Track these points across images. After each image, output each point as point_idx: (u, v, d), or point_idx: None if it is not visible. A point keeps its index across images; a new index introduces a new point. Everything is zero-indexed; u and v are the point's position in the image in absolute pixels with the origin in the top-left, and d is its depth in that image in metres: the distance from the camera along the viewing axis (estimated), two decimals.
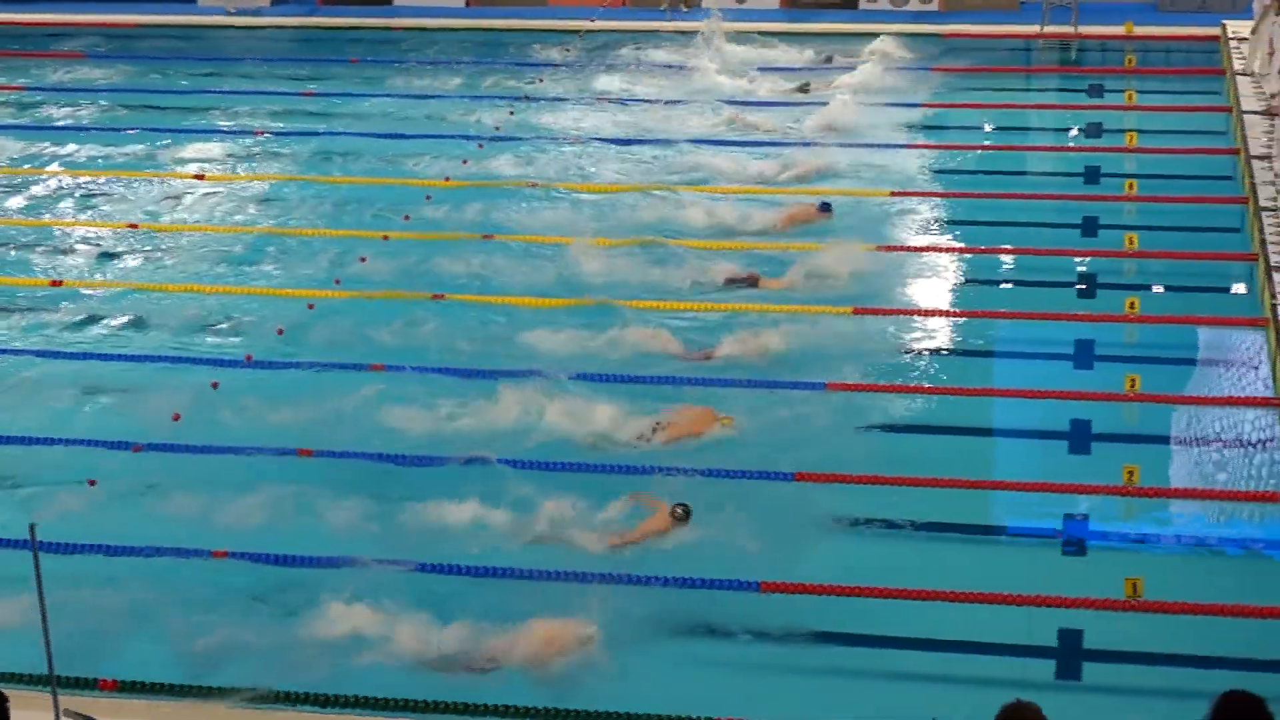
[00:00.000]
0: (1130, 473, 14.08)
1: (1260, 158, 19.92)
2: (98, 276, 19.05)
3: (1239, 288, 17.74)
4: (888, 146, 21.91)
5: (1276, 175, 18.97)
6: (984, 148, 22.09)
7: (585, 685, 11.63)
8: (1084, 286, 17.97)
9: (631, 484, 14.06)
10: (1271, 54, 17.64)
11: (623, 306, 17.37)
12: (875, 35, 26.23)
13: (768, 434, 14.82)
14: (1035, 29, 26.35)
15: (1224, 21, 25.64)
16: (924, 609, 12.38)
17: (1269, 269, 17.11)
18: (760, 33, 27.01)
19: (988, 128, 22.93)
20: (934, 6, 28.15)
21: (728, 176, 21.07)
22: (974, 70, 25.19)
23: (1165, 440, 15.12)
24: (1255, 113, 21.40)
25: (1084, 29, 26.14)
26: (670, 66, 25.78)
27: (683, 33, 27.01)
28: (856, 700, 11.79)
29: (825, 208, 19.36)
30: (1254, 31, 19.26)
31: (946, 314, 17.34)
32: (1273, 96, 16.63)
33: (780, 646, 12.17)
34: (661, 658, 12.10)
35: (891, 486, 14.02)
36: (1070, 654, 12.15)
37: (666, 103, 23.89)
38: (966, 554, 13.53)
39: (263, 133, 23.45)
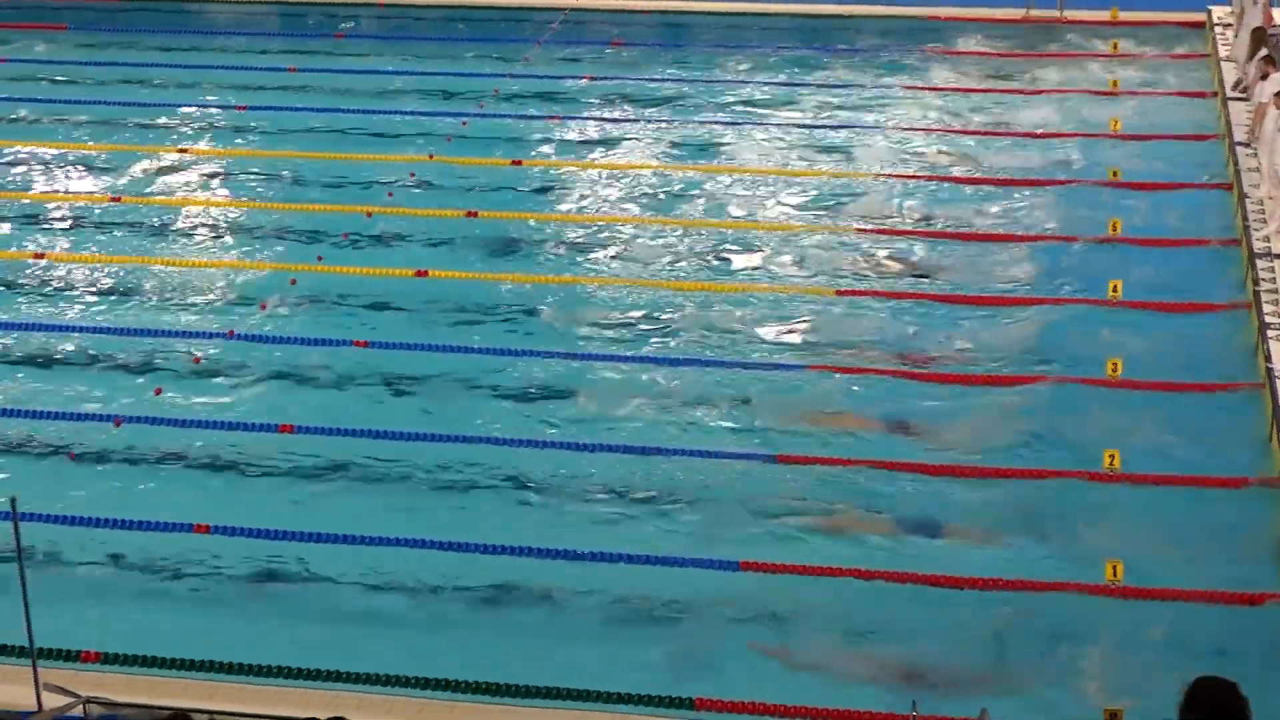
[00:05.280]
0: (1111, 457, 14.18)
1: (1244, 144, 19.96)
2: (80, 250, 18.97)
3: (1222, 272, 17.72)
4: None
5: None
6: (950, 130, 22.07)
7: None
8: None
9: None
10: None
11: None
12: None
13: None
14: (1021, 13, 26.34)
15: (1209, 6, 25.64)
16: None
17: (1251, 255, 17.15)
18: None
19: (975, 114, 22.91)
20: None
21: None
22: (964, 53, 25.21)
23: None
24: (1239, 99, 21.41)
25: (1070, 13, 26.14)
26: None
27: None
28: None
29: None
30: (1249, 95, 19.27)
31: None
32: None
33: None
34: None
35: None
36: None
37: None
38: None
39: (245, 108, 23.35)
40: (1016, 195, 19.74)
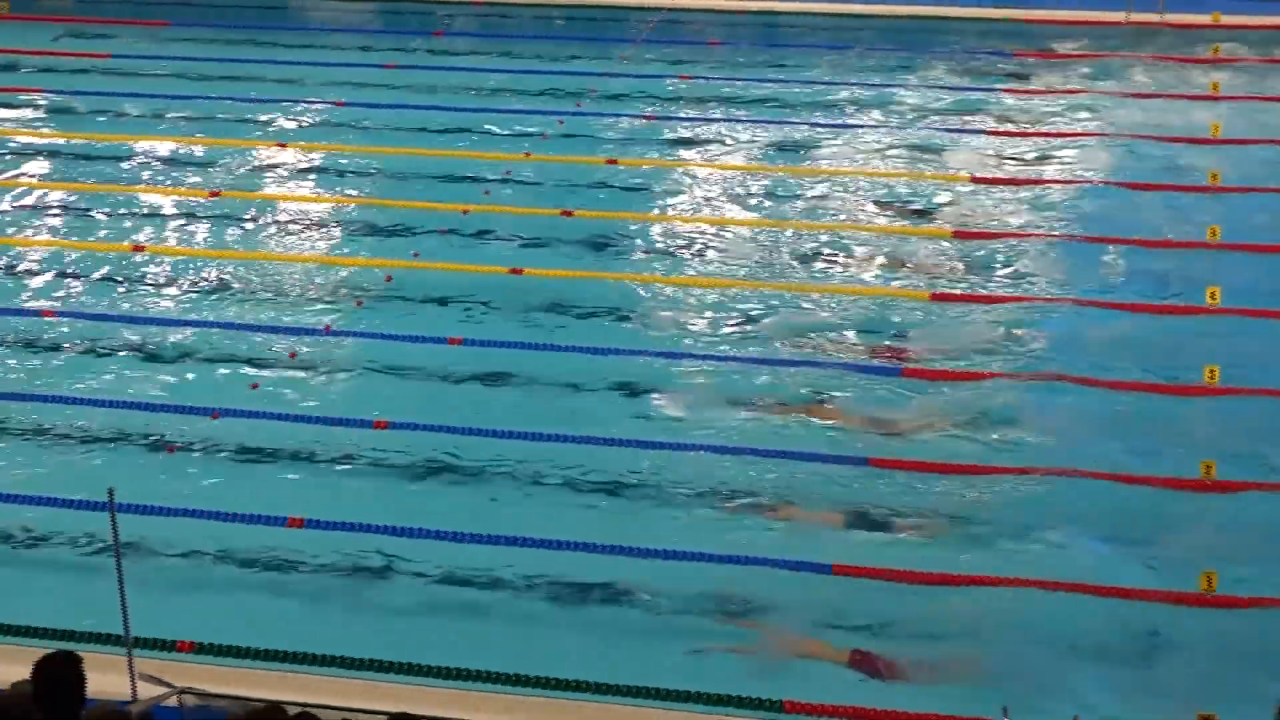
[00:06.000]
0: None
1: None
2: (178, 243, 19.17)
3: None
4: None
5: None
6: (1048, 134, 21.89)
7: None
8: None
9: None
10: None
11: None
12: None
13: None
14: (1121, 16, 26.11)
15: None
16: None
17: None
18: None
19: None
20: None
21: None
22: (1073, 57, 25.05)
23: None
24: None
25: (1170, 16, 25.89)
26: None
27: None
28: None
29: None
30: None
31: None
32: None
33: None
34: None
35: None
36: None
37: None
38: None
39: (344, 104, 23.50)
40: (1114, 199, 19.60)
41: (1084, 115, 22.43)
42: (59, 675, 9.02)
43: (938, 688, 11.69)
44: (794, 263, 18.29)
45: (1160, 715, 11.51)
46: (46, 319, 17.30)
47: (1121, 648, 12.15)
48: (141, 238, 19.30)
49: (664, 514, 13.88)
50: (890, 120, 22.43)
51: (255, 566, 13.24)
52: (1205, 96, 22.95)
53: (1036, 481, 14.06)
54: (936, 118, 22.50)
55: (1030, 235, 18.69)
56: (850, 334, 16.70)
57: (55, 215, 20.08)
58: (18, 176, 21.31)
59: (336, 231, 19.48)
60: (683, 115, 22.84)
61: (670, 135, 22.15)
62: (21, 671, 9.25)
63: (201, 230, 19.53)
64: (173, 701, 10.68)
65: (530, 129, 22.34)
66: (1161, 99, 22.83)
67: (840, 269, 18.15)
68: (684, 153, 21.58)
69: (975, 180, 20.23)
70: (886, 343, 16.55)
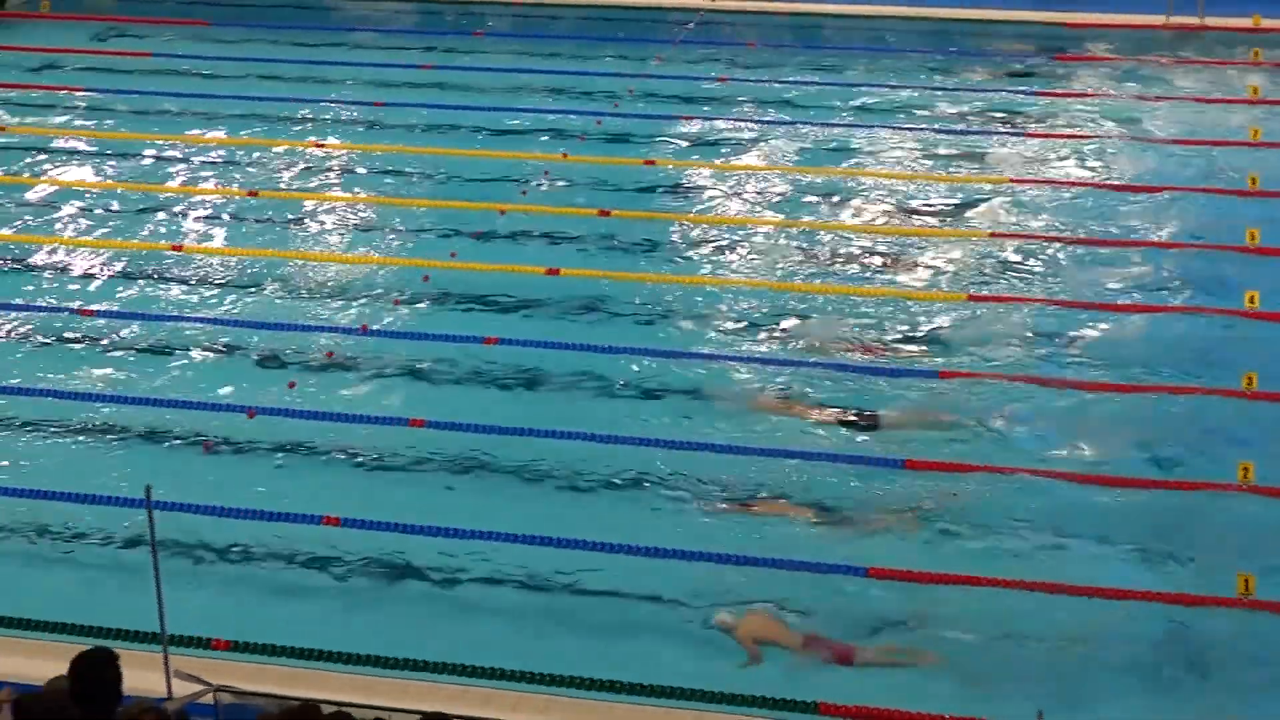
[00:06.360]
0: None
1: None
2: (216, 243, 19.23)
3: None
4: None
5: None
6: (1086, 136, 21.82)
7: None
8: None
9: None
10: None
11: None
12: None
13: None
14: (1161, 19, 26.02)
15: None
16: None
17: None
18: None
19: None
20: None
21: None
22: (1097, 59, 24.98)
23: None
24: None
25: (1210, 19, 25.79)
26: None
27: None
28: None
29: None
30: None
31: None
32: None
33: None
34: None
35: None
36: None
37: None
38: None
39: (382, 104, 23.53)
40: (1152, 202, 19.52)
41: (1122, 118, 22.37)
42: (95, 672, 9.05)
43: (970, 690, 11.66)
44: (829, 263, 18.26)
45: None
46: (84, 317, 17.36)
47: (1158, 652, 12.10)
48: (179, 237, 19.36)
49: (697, 514, 13.87)
50: (927, 122, 22.39)
51: (291, 565, 13.27)
52: (1245, 100, 22.87)
53: (1071, 485, 14.01)
54: (974, 120, 22.46)
55: (1066, 238, 18.63)
56: (886, 335, 16.66)
57: (93, 214, 20.14)
58: (57, 175, 21.42)
59: (374, 231, 19.52)
60: (720, 116, 22.83)
61: (707, 136, 22.15)
62: (58, 668, 9.29)
63: (239, 229, 19.58)
64: (208, 699, 10.69)
65: (568, 129, 22.36)
66: (1200, 102, 22.75)
67: (875, 270, 18.12)
68: (721, 153, 21.56)
69: (1012, 182, 20.19)
70: (925, 344, 16.51)
